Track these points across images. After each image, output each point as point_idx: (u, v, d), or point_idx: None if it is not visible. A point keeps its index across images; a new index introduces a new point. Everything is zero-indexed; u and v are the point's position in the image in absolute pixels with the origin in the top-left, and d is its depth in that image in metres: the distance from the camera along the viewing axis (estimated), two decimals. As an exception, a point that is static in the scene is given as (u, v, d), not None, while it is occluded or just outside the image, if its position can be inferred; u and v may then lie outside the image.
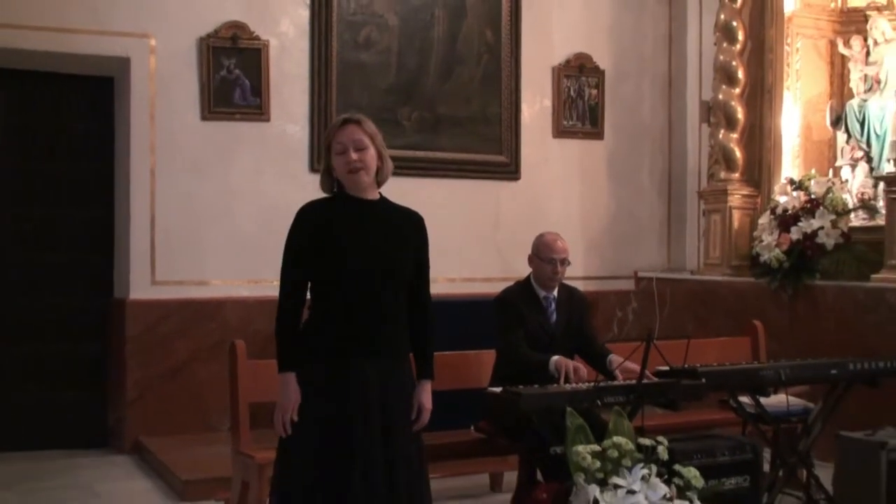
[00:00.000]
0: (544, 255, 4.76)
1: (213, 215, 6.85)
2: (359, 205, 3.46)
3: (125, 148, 6.76)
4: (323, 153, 3.54)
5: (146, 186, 6.69)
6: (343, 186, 3.47)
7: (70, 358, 6.83)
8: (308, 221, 3.44)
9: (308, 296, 3.47)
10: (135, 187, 6.68)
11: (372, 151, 3.44)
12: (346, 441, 3.30)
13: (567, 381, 4.36)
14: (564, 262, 4.78)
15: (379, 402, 3.36)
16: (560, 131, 8.02)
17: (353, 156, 3.39)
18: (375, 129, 3.49)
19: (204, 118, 6.84)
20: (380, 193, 3.53)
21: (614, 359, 4.64)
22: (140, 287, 6.67)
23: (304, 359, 3.39)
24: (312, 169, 6.91)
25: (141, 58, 6.68)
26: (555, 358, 4.49)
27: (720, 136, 7.61)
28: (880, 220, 6.62)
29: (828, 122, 7.56)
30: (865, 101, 7.26)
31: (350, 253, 3.37)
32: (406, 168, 7.11)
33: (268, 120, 7.00)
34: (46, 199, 6.81)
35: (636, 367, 4.36)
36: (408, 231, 3.52)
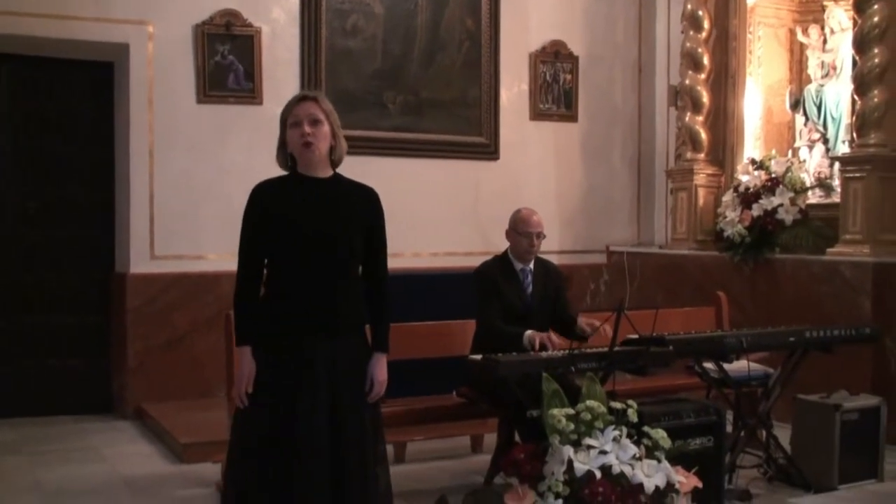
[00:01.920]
0: (521, 229, 4.73)
1: (208, 193, 6.78)
2: (309, 183, 3.32)
3: (125, 129, 6.67)
4: (279, 128, 3.39)
5: (145, 166, 6.62)
6: (297, 163, 3.34)
7: (75, 329, 6.77)
8: (259, 199, 3.33)
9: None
10: (134, 167, 6.60)
11: (326, 128, 3.31)
12: (290, 420, 3.18)
13: (543, 350, 4.35)
14: (540, 235, 4.74)
15: (326, 380, 3.22)
16: (536, 114, 7.97)
17: (307, 129, 3.26)
18: (331, 108, 3.36)
19: (200, 101, 6.75)
20: (334, 171, 3.39)
21: (581, 320, 4.64)
22: (140, 261, 6.61)
23: (257, 334, 3.28)
24: (303, 150, 6.84)
25: (140, 44, 6.59)
26: (528, 332, 4.44)
27: (687, 118, 7.60)
28: (836, 198, 6.62)
29: (787, 106, 7.55)
30: (822, 86, 7.25)
31: (298, 230, 3.24)
32: (391, 149, 7.09)
33: (260, 103, 6.90)
34: (50, 178, 6.72)
35: (600, 325, 4.42)
36: (359, 206, 3.36)
